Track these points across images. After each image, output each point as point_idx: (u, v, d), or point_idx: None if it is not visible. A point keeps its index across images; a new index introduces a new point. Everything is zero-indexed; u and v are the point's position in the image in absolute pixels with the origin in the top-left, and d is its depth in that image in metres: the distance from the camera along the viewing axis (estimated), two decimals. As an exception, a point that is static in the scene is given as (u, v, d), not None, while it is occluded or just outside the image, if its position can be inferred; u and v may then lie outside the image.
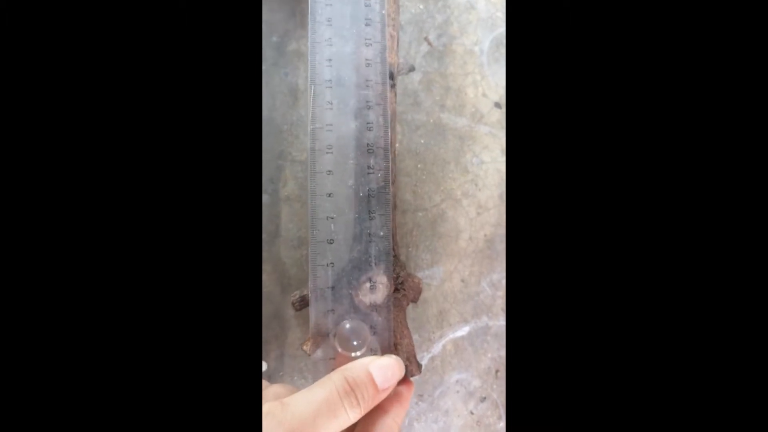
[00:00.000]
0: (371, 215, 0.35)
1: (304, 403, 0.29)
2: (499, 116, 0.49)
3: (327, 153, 0.35)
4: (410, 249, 0.48)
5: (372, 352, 0.35)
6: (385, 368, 0.33)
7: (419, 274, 0.48)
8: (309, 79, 0.36)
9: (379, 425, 0.33)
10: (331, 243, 0.35)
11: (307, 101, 0.35)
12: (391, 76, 0.38)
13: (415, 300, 0.39)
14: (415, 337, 0.47)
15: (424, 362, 0.48)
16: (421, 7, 0.49)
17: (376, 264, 0.35)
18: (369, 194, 0.35)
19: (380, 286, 0.35)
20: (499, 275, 0.49)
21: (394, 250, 0.37)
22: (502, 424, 0.48)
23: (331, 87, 0.35)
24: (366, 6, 0.37)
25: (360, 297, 0.35)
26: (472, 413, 0.48)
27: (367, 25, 0.37)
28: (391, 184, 0.36)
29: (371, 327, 0.35)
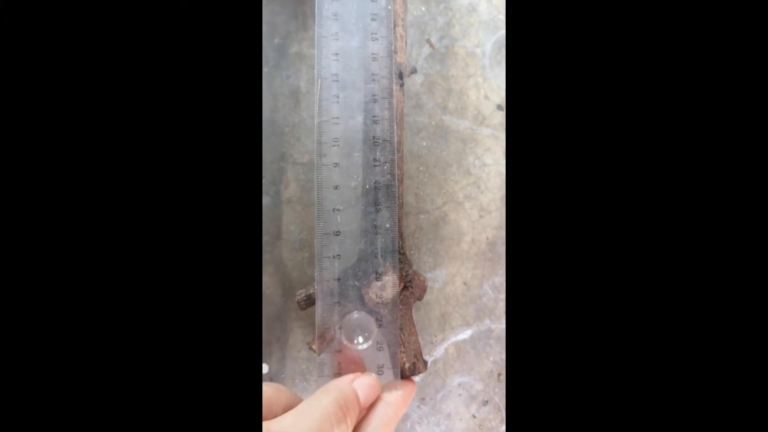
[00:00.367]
0: (378, 207, 0.35)
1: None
2: (501, 118, 0.49)
3: (333, 146, 0.35)
4: (413, 251, 0.48)
5: (378, 345, 0.34)
6: (369, 387, 0.32)
7: (421, 277, 0.48)
8: (316, 73, 0.36)
9: (379, 413, 0.33)
10: (338, 235, 0.34)
11: (314, 94, 0.35)
12: (400, 76, 0.38)
13: (420, 298, 0.39)
14: (417, 339, 0.47)
15: (426, 365, 0.48)
16: (423, 9, 0.49)
17: (382, 256, 0.35)
18: (375, 187, 0.35)
19: (389, 283, 0.35)
20: (502, 278, 0.49)
21: (401, 246, 0.37)
22: (504, 428, 0.48)
23: (337, 81, 0.36)
24: (372, 1, 0.37)
25: (370, 294, 0.35)
26: (474, 416, 0.48)
27: (373, 19, 0.37)
28: (396, 178, 0.36)
29: (377, 320, 0.35)
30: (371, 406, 0.33)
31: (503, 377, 0.48)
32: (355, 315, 0.34)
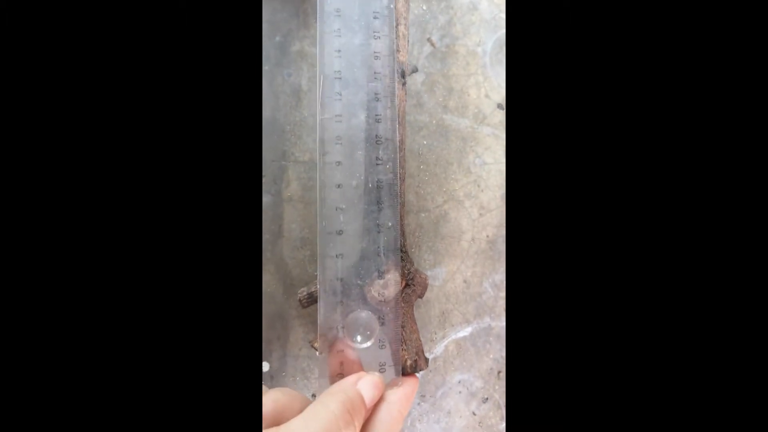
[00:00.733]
0: (380, 206, 0.35)
1: None
2: (502, 117, 0.49)
3: (336, 144, 0.35)
4: (413, 249, 0.48)
5: (380, 344, 0.34)
6: (373, 388, 0.33)
7: (422, 275, 0.48)
8: (318, 70, 0.36)
9: (383, 413, 0.33)
10: (340, 234, 0.34)
11: (316, 91, 0.36)
12: (402, 74, 0.38)
13: (421, 295, 0.39)
14: (418, 337, 0.47)
15: (426, 363, 0.48)
16: (424, 7, 0.49)
17: (385, 255, 0.35)
18: (378, 185, 0.35)
19: (391, 281, 0.35)
20: (502, 276, 0.49)
21: (403, 245, 0.37)
22: (504, 425, 0.48)
23: (339, 78, 0.36)
24: (374, -1, 0.37)
25: (372, 293, 0.35)
26: (474, 414, 0.48)
27: (375, 18, 0.37)
28: (399, 176, 0.36)
29: (380, 318, 0.35)
30: (375, 405, 0.33)
31: (503, 375, 0.48)
32: (358, 314, 0.34)
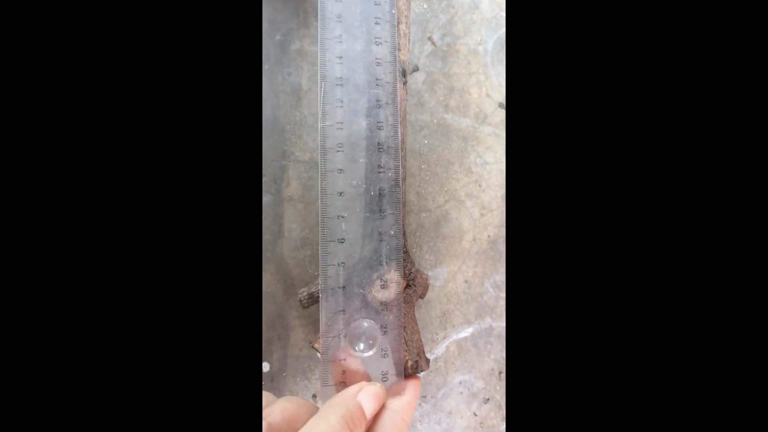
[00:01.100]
0: (382, 214, 0.35)
1: None
2: (503, 117, 0.49)
3: (338, 151, 0.35)
4: (414, 250, 0.48)
5: (383, 353, 0.34)
6: (374, 399, 0.33)
7: (423, 275, 0.48)
8: (319, 76, 0.35)
9: (387, 422, 0.33)
10: (342, 242, 0.34)
11: (317, 98, 0.35)
12: (403, 74, 0.38)
13: (422, 296, 0.39)
14: (418, 338, 0.47)
15: (427, 363, 0.48)
16: (425, 6, 0.49)
17: (387, 263, 0.35)
18: (380, 193, 0.35)
19: (392, 283, 0.35)
20: (502, 276, 0.49)
21: (404, 245, 0.37)
22: (505, 426, 0.48)
23: (341, 85, 0.35)
24: (376, 5, 0.37)
25: (373, 293, 0.35)
26: (475, 415, 0.48)
27: (377, 23, 0.36)
28: (402, 183, 0.36)
29: (382, 326, 0.35)
30: (378, 413, 0.33)
31: (504, 375, 0.49)
32: (360, 323, 0.34)
